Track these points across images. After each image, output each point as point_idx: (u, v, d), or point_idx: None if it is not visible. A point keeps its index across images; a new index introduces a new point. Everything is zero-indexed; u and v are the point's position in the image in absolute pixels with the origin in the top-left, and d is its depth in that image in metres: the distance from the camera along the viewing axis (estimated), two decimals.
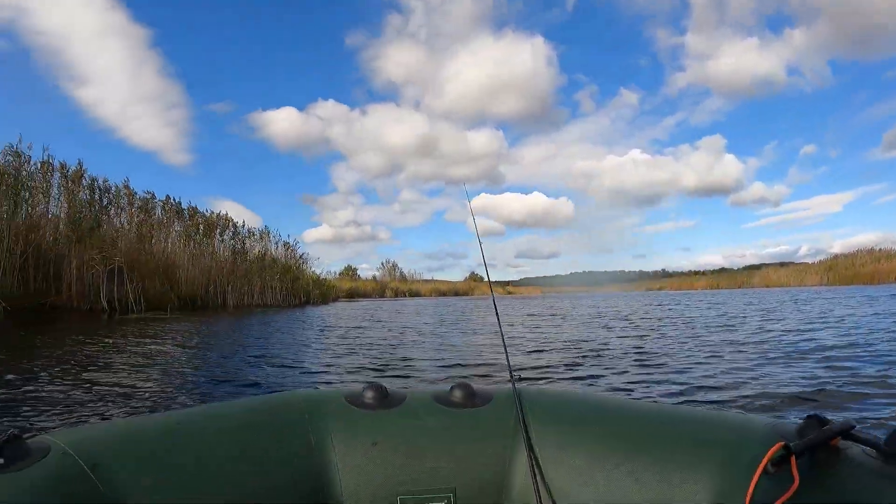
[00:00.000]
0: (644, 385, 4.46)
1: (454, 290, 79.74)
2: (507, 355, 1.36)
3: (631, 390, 4.36)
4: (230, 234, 29.12)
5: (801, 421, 0.89)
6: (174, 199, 26.39)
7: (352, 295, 47.57)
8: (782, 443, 0.77)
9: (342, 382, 4.45)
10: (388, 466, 1.02)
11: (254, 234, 30.77)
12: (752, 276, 60.85)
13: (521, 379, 1.39)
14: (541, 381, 4.59)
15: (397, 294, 58.95)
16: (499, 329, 1.50)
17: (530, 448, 1.02)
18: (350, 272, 64.78)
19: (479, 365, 6.14)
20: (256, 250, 29.97)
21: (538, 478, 0.98)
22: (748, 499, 0.76)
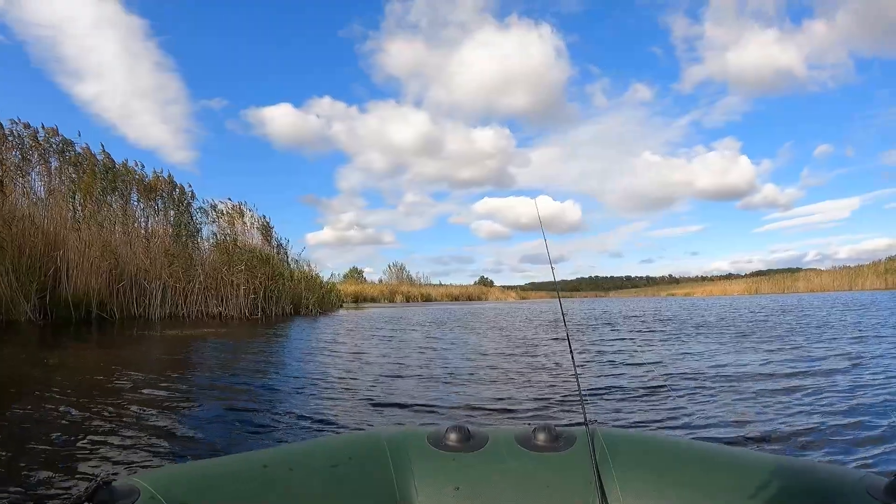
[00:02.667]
0: None
1: (467, 295, 70.73)
2: (581, 397, 1.32)
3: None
4: (175, 201, 17.49)
5: (891, 478, 0.88)
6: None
7: (358, 299, 38.56)
8: None
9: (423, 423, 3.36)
10: None
11: (216, 209, 19.13)
12: (797, 279, 50.46)
13: (596, 422, 1.17)
14: (619, 419, 3.33)
15: (408, 299, 49.69)
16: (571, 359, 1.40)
17: (608, 497, 0.98)
18: (356, 274, 56.46)
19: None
20: (220, 233, 18.40)
21: None
22: None
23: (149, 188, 16.89)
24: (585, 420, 1.15)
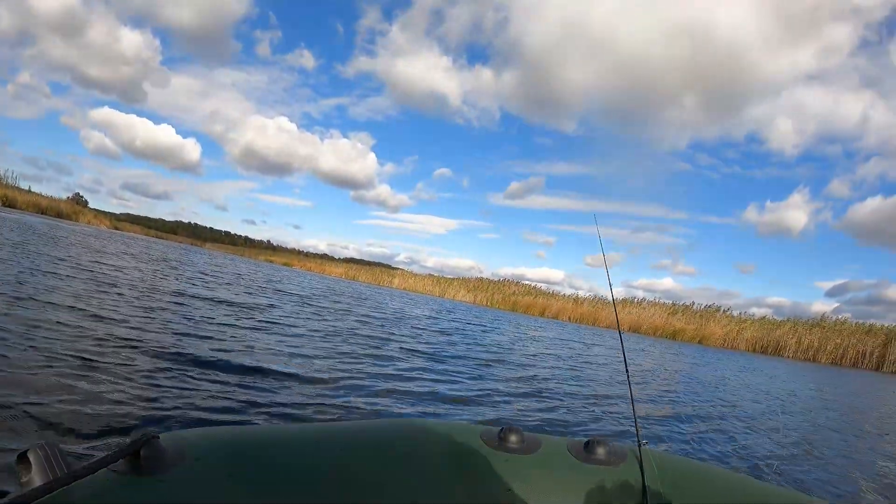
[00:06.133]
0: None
1: (56, 211, 63.19)
2: (634, 414, 1.35)
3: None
4: None
5: None
6: None
7: None
8: None
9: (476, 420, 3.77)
10: None
11: None
12: (394, 276, 54.92)
13: (647, 443, 1.32)
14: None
15: None
16: (626, 380, 1.49)
17: None
18: None
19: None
20: None
21: None
22: None
23: None
24: (639, 439, 1.18)
